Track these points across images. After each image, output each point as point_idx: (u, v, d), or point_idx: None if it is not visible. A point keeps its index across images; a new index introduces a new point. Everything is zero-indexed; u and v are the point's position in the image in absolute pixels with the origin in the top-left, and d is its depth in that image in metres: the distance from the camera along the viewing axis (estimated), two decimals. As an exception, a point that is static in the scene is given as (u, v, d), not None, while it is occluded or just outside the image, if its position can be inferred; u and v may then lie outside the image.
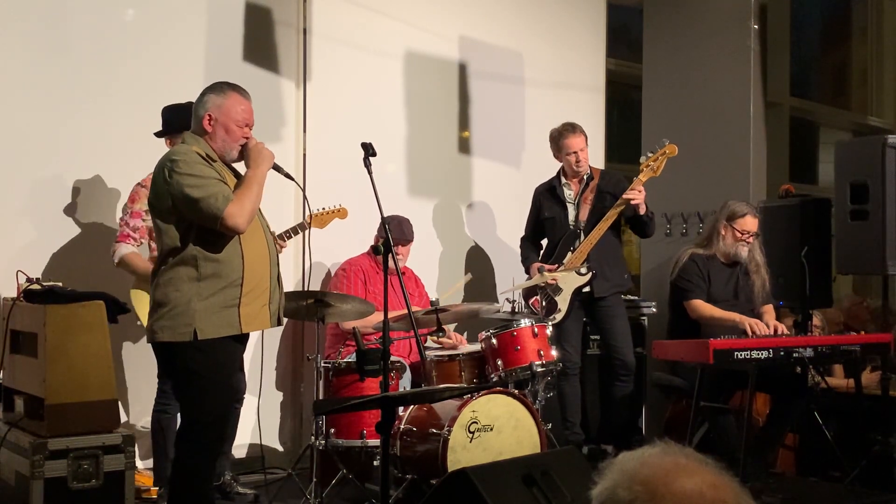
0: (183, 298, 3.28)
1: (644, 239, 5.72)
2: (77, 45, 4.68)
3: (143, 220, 4.32)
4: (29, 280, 3.75)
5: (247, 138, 3.46)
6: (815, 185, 10.23)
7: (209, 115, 3.40)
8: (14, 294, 3.78)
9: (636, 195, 4.85)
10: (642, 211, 4.94)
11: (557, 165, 5.25)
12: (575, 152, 5.07)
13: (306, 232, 4.70)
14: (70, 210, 4.69)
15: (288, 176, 3.67)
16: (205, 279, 3.29)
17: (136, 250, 4.34)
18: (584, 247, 4.95)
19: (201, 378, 3.32)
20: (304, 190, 3.89)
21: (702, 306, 4.78)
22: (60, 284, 3.81)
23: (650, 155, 4.98)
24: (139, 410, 4.81)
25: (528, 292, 5.15)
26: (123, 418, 4.83)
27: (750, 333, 4.49)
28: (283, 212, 5.16)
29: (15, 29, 4.51)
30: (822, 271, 5.29)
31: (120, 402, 4.80)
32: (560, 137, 5.12)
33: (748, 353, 4.21)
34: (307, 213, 4.54)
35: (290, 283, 5.26)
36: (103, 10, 4.77)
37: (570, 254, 5.02)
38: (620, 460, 1.38)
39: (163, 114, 4.41)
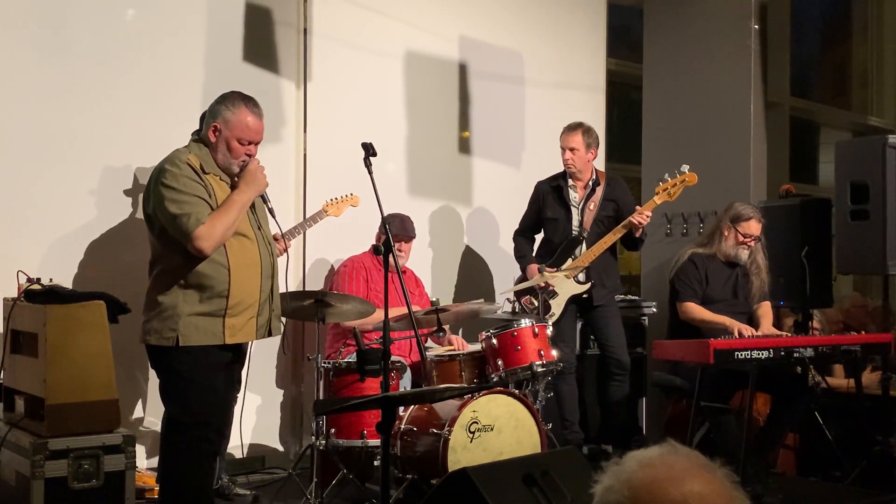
0: (170, 303, 3.31)
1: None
2: (75, 45, 4.67)
3: None
4: (29, 280, 3.75)
5: (249, 156, 3.45)
6: (815, 185, 10.23)
7: (215, 127, 3.41)
8: (14, 294, 3.77)
9: (642, 220, 4.86)
10: (638, 233, 4.95)
11: (557, 165, 5.25)
12: (564, 149, 5.09)
13: (305, 231, 4.73)
14: (75, 209, 4.68)
15: (270, 211, 3.66)
16: (191, 287, 3.32)
17: None
18: (586, 257, 4.96)
19: (184, 380, 3.35)
20: (280, 228, 3.88)
21: (692, 309, 4.78)
22: (61, 284, 3.81)
23: (668, 179, 4.94)
24: (153, 410, 4.80)
25: (521, 290, 5.15)
26: (136, 415, 4.84)
27: (737, 337, 4.48)
28: (284, 212, 5.15)
29: (15, 31, 4.50)
30: (822, 271, 5.29)
31: (136, 400, 4.82)
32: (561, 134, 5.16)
33: (749, 353, 4.21)
34: (313, 212, 4.55)
35: (291, 283, 5.26)
36: (103, 10, 4.77)
37: (570, 260, 5.02)
38: (625, 461, 1.38)
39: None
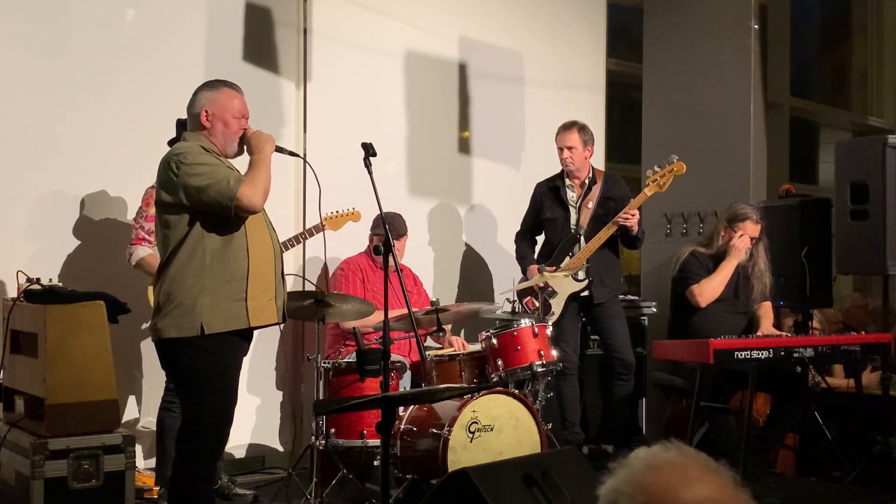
0: (189, 294, 3.26)
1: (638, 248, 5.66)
2: (76, 45, 4.68)
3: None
4: (29, 280, 3.75)
5: (244, 129, 3.46)
6: (815, 185, 10.23)
7: (206, 111, 3.40)
8: (14, 294, 3.78)
9: (630, 219, 4.86)
10: (634, 231, 4.95)
11: (557, 165, 5.25)
12: (562, 148, 5.09)
13: (304, 243, 4.71)
14: (75, 209, 4.69)
15: (292, 153, 3.69)
16: (211, 274, 3.28)
17: (153, 251, 4.35)
18: (583, 254, 4.95)
19: (205, 378, 3.30)
20: (307, 163, 3.87)
21: (702, 285, 4.77)
22: (60, 284, 3.81)
23: (657, 169, 4.92)
24: (152, 410, 4.80)
25: (523, 292, 5.15)
26: (134, 415, 4.84)
27: (742, 249, 4.71)
28: (283, 212, 5.16)
29: (14, 29, 4.51)
30: (822, 271, 5.29)
31: (135, 400, 4.83)
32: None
33: (748, 353, 4.21)
34: (312, 221, 4.53)
35: (289, 283, 5.26)
36: (103, 10, 4.77)
37: (568, 258, 5.02)
38: (631, 462, 1.37)
39: (178, 125, 4.39)
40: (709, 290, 4.77)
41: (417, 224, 5.32)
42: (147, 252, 4.36)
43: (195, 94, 3.46)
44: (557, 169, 5.25)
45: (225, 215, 3.27)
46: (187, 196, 3.26)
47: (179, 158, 3.27)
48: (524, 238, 5.36)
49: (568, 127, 5.12)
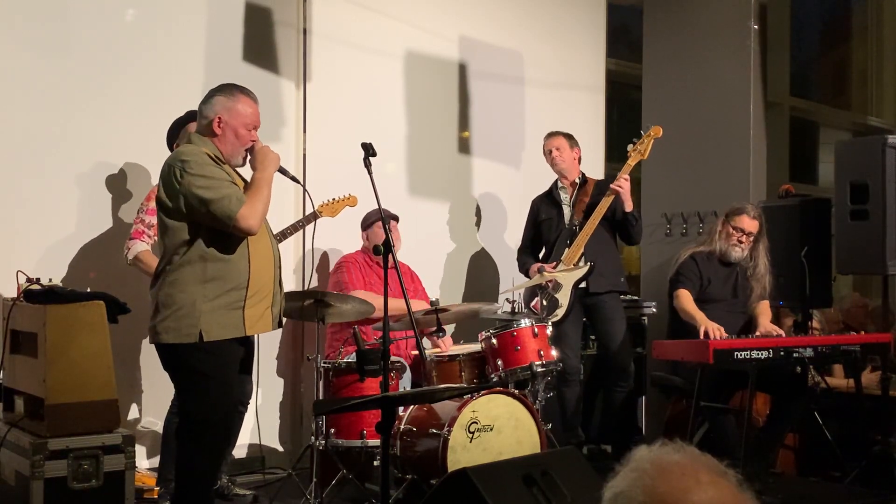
0: (188, 300, 3.27)
1: (637, 243, 5.66)
2: (76, 46, 4.67)
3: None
4: (29, 280, 3.74)
5: (253, 141, 3.46)
6: (815, 185, 10.24)
7: (219, 119, 3.39)
8: (14, 294, 3.77)
9: (621, 184, 4.89)
10: (629, 207, 4.97)
11: (557, 165, 5.27)
12: (550, 151, 5.18)
13: (309, 227, 4.70)
14: (75, 209, 4.69)
15: (293, 179, 3.69)
16: (210, 281, 3.28)
17: (149, 248, 4.34)
18: (580, 240, 4.97)
19: (205, 377, 3.32)
20: (306, 190, 3.90)
21: (683, 297, 4.77)
22: (60, 284, 3.81)
23: (636, 141, 5.03)
24: (152, 410, 4.81)
25: (529, 295, 5.15)
26: (135, 415, 4.84)
27: (703, 336, 4.42)
28: (285, 211, 5.16)
29: (15, 29, 4.51)
30: (822, 271, 5.29)
31: (135, 400, 4.83)
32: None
33: (748, 353, 4.21)
34: (309, 210, 4.54)
35: (289, 282, 5.26)
36: (103, 10, 4.77)
37: (567, 250, 5.03)
38: (638, 464, 1.36)
39: (172, 126, 4.39)
40: (680, 304, 4.76)
41: (417, 224, 5.32)
42: (144, 247, 4.35)
43: (211, 96, 3.44)
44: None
45: (221, 229, 3.28)
46: (187, 205, 3.26)
47: (184, 166, 3.26)
48: (525, 252, 5.37)
49: (551, 134, 5.25)
